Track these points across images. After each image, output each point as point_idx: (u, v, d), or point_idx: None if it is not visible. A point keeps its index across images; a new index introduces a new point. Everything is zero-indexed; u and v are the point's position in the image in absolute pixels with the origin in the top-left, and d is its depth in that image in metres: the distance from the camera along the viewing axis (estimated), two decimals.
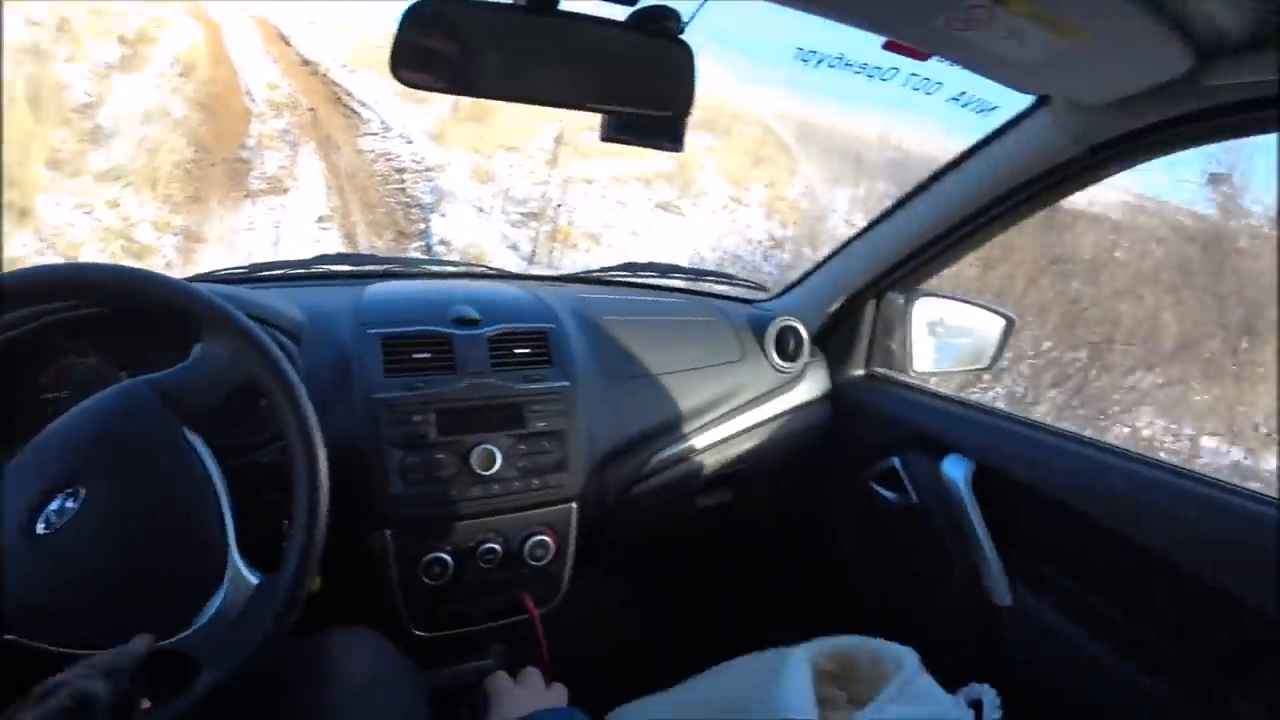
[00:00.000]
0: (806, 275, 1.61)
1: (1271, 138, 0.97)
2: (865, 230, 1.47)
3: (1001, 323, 1.51)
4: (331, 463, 0.82)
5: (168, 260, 5.47)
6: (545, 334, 1.22)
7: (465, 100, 10.81)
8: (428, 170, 8.25)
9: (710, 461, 1.42)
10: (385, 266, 1.43)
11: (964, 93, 1.18)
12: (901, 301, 1.54)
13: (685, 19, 0.83)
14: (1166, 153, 1.09)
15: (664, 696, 1.15)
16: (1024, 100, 1.16)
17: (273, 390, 0.82)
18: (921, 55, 0.97)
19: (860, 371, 1.57)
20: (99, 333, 1.04)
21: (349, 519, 0.88)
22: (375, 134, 9.42)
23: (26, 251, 5.13)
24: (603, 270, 1.66)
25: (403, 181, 7.88)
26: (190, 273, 1.28)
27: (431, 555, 1.10)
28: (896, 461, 1.42)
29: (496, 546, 1.14)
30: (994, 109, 1.21)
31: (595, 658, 1.47)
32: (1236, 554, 1.01)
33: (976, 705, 0.99)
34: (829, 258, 1.56)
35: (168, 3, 14.97)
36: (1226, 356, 5.33)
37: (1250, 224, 6.64)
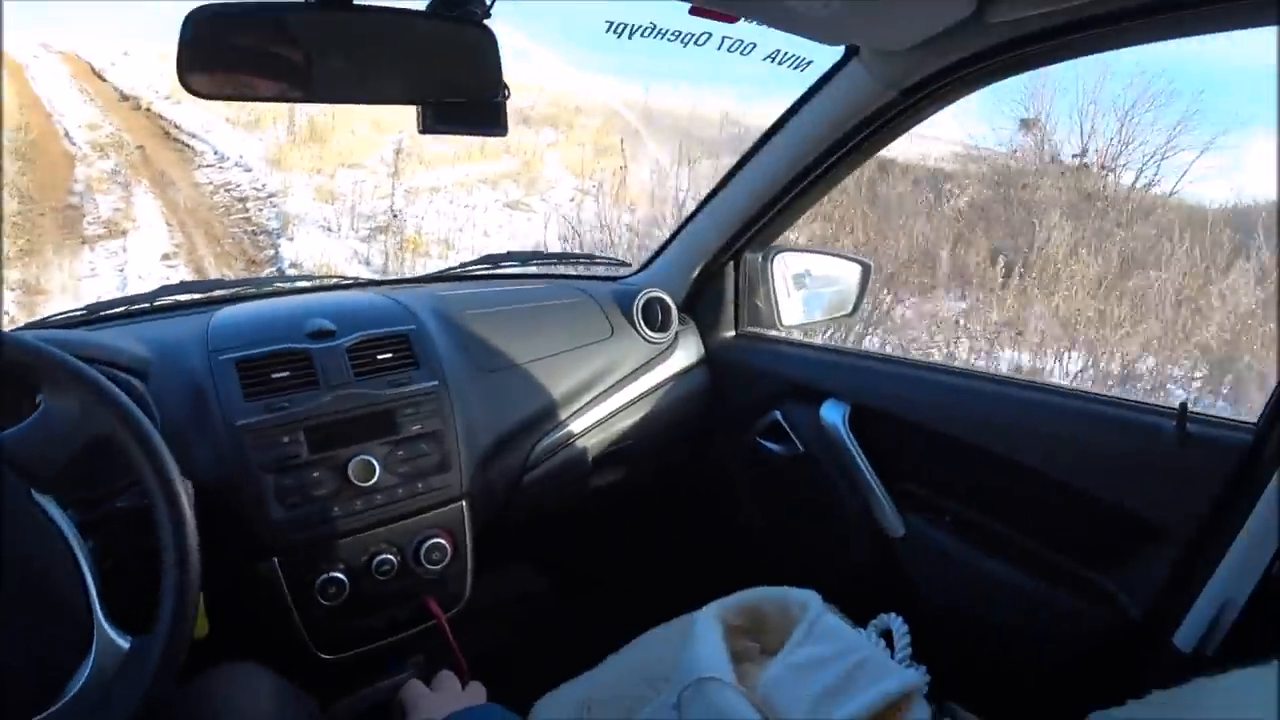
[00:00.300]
0: (664, 247, 1.63)
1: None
2: (711, 197, 1.50)
3: (859, 269, 1.59)
4: (201, 499, 0.80)
5: (11, 316, 5.33)
6: (406, 336, 1.20)
7: (301, 121, 10.88)
8: (270, 196, 8.09)
9: (596, 441, 1.42)
10: (233, 290, 1.39)
11: (779, 50, 1.21)
12: (760, 260, 1.57)
13: (489, 2, 0.83)
14: (971, 90, 1.17)
15: (585, 677, 1.16)
16: (836, 53, 1.22)
17: (125, 441, 0.78)
18: (729, 18, 1.01)
19: (731, 333, 1.61)
20: None
21: (232, 552, 0.88)
22: (211, 165, 9.12)
23: None
24: (461, 266, 1.63)
25: (246, 210, 7.78)
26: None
27: (324, 576, 1.07)
28: (777, 414, 1.47)
29: (391, 557, 1.12)
30: (810, 63, 1.25)
31: (513, 651, 1.47)
32: (1092, 454, 1.11)
33: (887, 635, 1.04)
34: (682, 227, 1.59)
35: None
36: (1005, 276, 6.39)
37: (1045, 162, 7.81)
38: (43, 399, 0.78)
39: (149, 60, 14.73)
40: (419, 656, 1.25)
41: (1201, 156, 7.19)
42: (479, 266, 1.62)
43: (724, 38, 1.14)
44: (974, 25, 1.00)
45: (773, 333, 1.59)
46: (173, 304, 1.35)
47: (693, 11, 0.99)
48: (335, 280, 1.56)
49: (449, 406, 1.18)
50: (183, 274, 6.11)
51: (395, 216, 7.28)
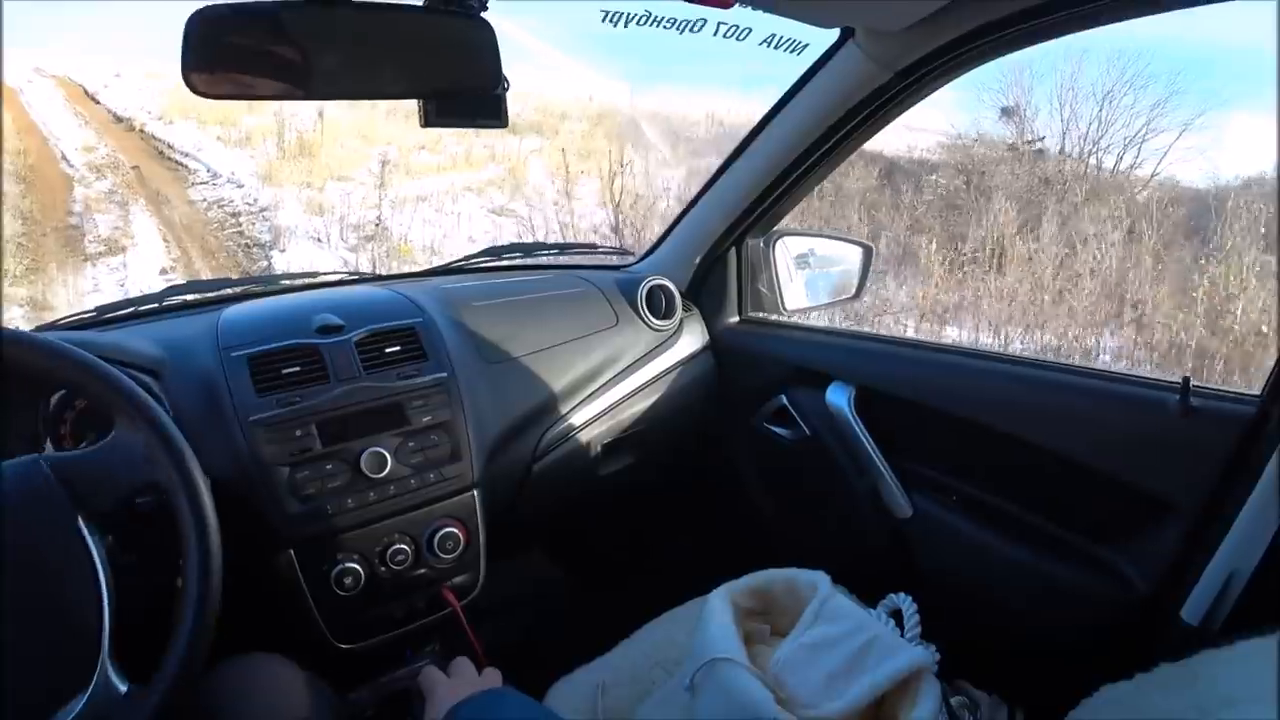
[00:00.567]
0: (666, 235, 1.63)
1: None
2: (712, 183, 1.51)
3: (861, 251, 1.59)
4: (216, 494, 0.81)
5: (23, 327, 5.77)
6: (414, 329, 1.19)
7: (290, 136, 11.33)
8: (262, 210, 8.36)
9: (604, 429, 1.43)
10: (240, 288, 1.39)
11: (774, 35, 1.21)
12: (761, 245, 1.57)
13: None
14: (967, 69, 1.17)
15: (598, 661, 1.18)
16: (831, 36, 1.22)
17: (175, 492, 0.79)
18: (724, 3, 1.00)
19: (735, 319, 1.61)
20: None
21: (248, 546, 0.87)
22: (205, 183, 9.33)
23: None
24: (465, 259, 1.63)
25: (239, 225, 8.06)
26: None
27: (340, 567, 1.07)
28: (783, 398, 1.48)
29: (405, 547, 1.12)
30: (806, 47, 1.25)
31: (528, 637, 1.49)
32: (1097, 430, 1.11)
33: (896, 614, 1.03)
34: (683, 214, 1.59)
35: None
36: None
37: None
38: (115, 433, 0.80)
39: (140, 81, 15.16)
40: (435, 644, 1.25)
41: (1180, 138, 7.41)
42: (483, 259, 1.63)
43: (719, 24, 1.15)
44: (968, 4, 1.01)
45: (776, 317, 1.59)
46: (180, 304, 1.36)
47: None
48: (340, 276, 1.55)
49: (458, 397, 1.18)
50: None
51: (378, 225, 7.70)
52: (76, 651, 0.74)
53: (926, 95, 1.25)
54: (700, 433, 1.65)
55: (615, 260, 1.74)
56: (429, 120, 0.88)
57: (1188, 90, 7.46)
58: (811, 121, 1.33)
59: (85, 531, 0.77)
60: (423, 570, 1.17)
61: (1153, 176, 7.70)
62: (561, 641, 1.46)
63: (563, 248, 1.82)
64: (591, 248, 1.89)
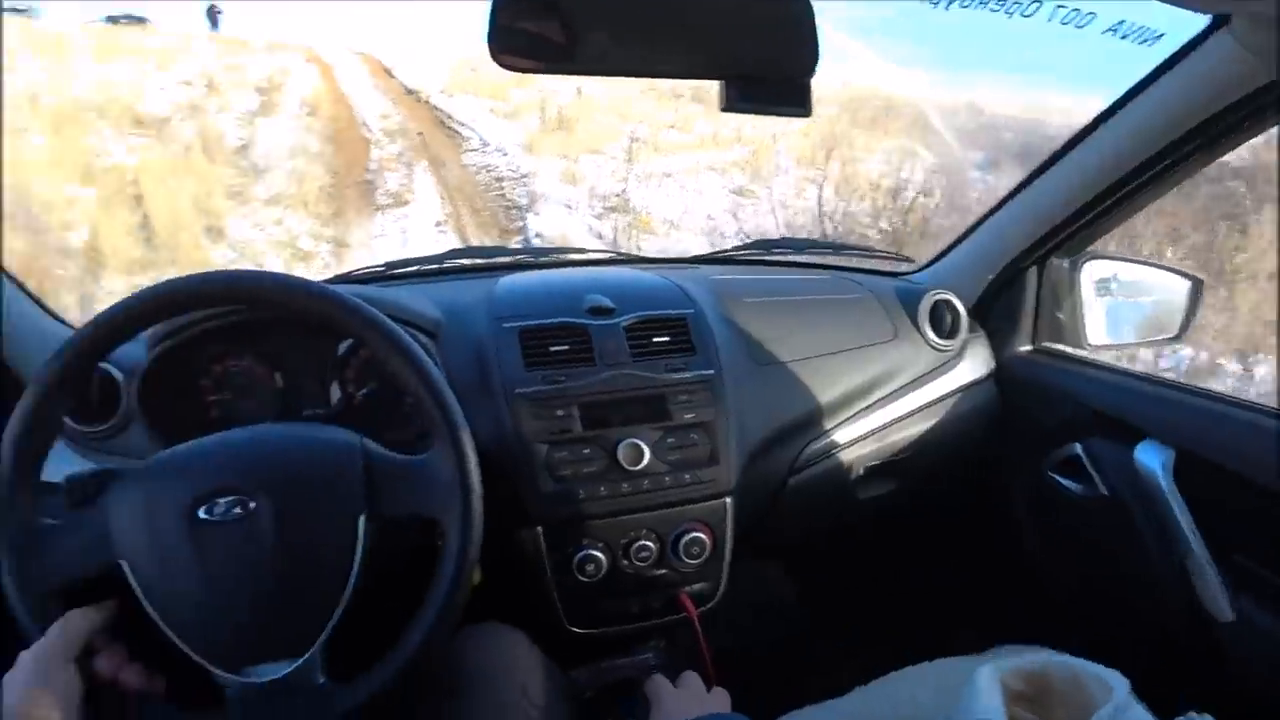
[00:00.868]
0: (956, 243, 1.46)
1: None
2: (1018, 190, 1.32)
3: (1187, 285, 1.34)
4: (481, 463, 0.81)
5: (325, 263, 6.79)
6: (685, 320, 1.15)
7: (552, 112, 12.31)
8: (523, 177, 9.22)
9: (869, 451, 1.32)
10: (515, 258, 1.41)
11: (1122, 22, 1.07)
12: (1067, 267, 1.36)
13: None
14: None
15: (833, 705, 1.09)
16: (1197, 23, 1.01)
17: (448, 541, 0.79)
18: None
19: (1027, 347, 1.41)
20: (250, 335, 1.06)
21: (498, 517, 0.86)
22: (476, 150, 10.45)
23: (225, 260, 6.65)
24: (734, 250, 1.57)
25: (502, 188, 8.91)
26: (339, 272, 1.35)
27: (584, 553, 1.06)
28: (1078, 448, 1.27)
29: (650, 544, 1.09)
30: (1160, 37, 1.08)
31: (757, 655, 1.40)
32: None
33: None
34: (981, 221, 1.40)
35: (286, 51, 17.51)
36: None
37: None
38: (431, 453, 0.82)
39: (431, 58, 17.21)
40: (661, 641, 1.22)
41: None
42: (752, 252, 1.55)
43: (1057, 6, 1.05)
44: None
45: (1076, 351, 1.38)
46: (459, 267, 1.39)
47: None
48: (611, 255, 1.53)
49: (723, 397, 1.12)
50: (451, 238, 7.23)
51: (618, 196, 8.26)
52: (301, 625, 0.75)
53: None
54: (973, 469, 1.47)
55: (893, 266, 1.58)
56: (730, 104, 0.80)
57: None
58: (1161, 126, 1.10)
59: (361, 527, 0.78)
60: (664, 571, 1.13)
61: None
62: (791, 664, 1.38)
63: (836, 247, 1.73)
64: (867, 250, 1.67)
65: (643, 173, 9.18)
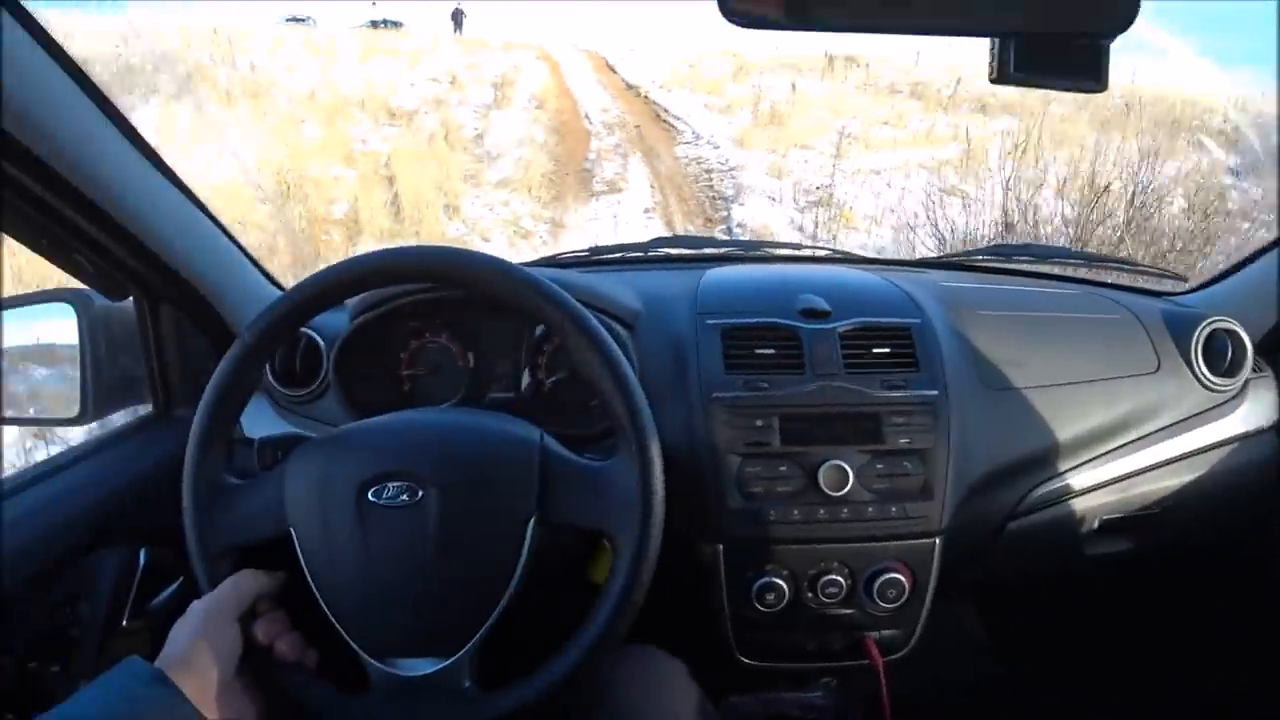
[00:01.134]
0: (1247, 261, 1.20)
1: None
2: None
3: None
4: (665, 469, 0.73)
5: (542, 240, 7.36)
6: (909, 331, 0.99)
7: (765, 107, 12.26)
8: (731, 170, 9.28)
9: (1110, 501, 1.09)
10: (724, 250, 1.30)
11: None
12: None
13: None
14: None
15: None
16: None
17: (621, 557, 0.71)
18: None
19: None
20: (449, 314, 1.03)
21: (677, 528, 0.77)
22: (689, 142, 10.70)
23: (459, 233, 7.39)
24: (965, 254, 1.38)
25: (710, 179, 9.05)
26: (554, 250, 1.33)
27: (765, 579, 0.95)
28: None
29: (840, 579, 0.95)
30: None
31: (939, 705, 1.23)
32: None
33: None
34: (1277, 242, 1.14)
35: (520, 50, 18.55)
36: None
37: None
38: (615, 460, 0.75)
39: (651, 55, 17.62)
40: (833, 680, 1.10)
41: None
42: (989, 258, 1.34)
43: None
44: None
45: None
46: (664, 256, 1.30)
47: None
48: (828, 253, 1.38)
49: (945, 423, 0.95)
50: (657, 223, 7.48)
51: (819, 189, 8.04)
52: (456, 624, 0.71)
53: None
54: (1241, 536, 1.19)
55: (1159, 285, 1.32)
56: (1003, 73, 0.62)
57: None
58: None
59: (529, 531, 0.71)
60: (851, 611, 0.97)
61: None
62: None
63: (1089, 258, 1.42)
64: (1130, 264, 1.38)
65: (850, 168, 8.90)
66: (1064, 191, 6.88)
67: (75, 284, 0.94)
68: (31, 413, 1.05)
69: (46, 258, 0.86)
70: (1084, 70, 0.64)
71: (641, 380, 0.75)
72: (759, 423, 0.93)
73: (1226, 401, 1.11)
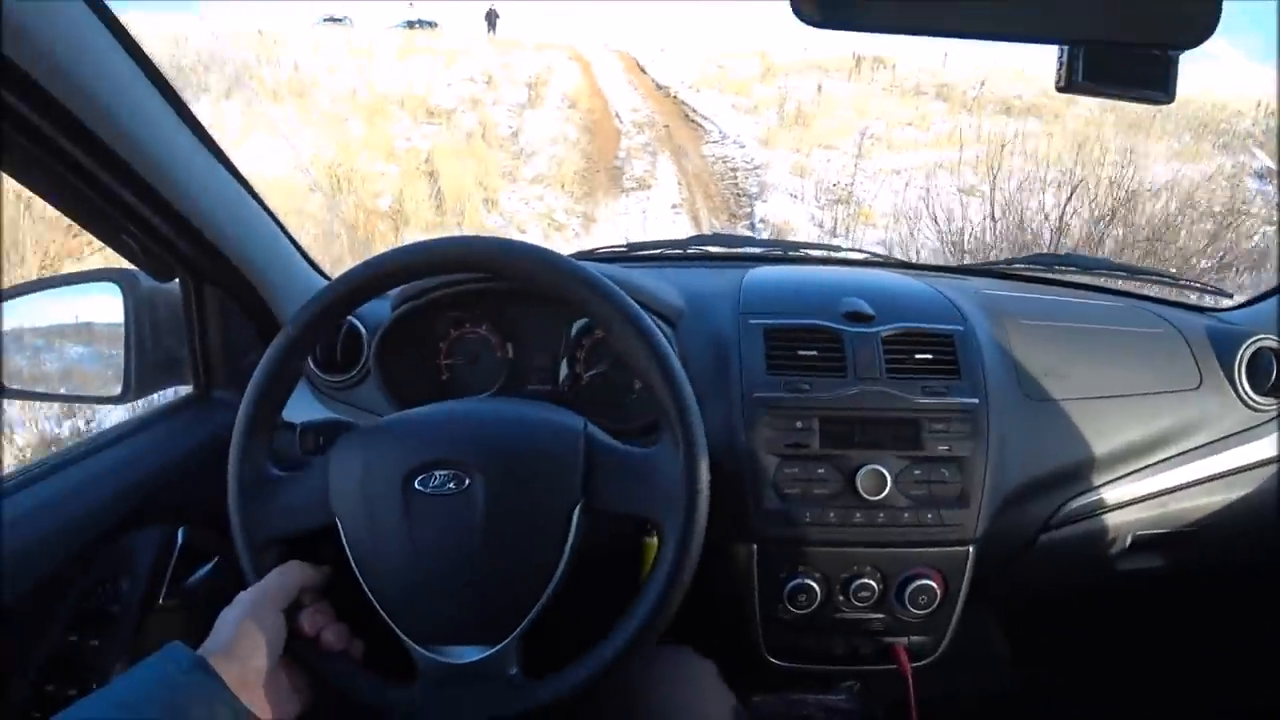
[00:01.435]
0: None
1: None
2: None
3: None
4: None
5: (575, 233, 7.46)
6: (952, 338, 0.97)
7: (790, 108, 12.18)
8: (756, 168, 9.28)
9: (1145, 517, 1.06)
10: (764, 249, 1.27)
11: None
12: None
13: None
14: None
15: None
16: None
17: (666, 544, 0.69)
18: None
19: None
20: (489, 305, 1.01)
21: (712, 528, 0.74)
22: (715, 142, 10.69)
23: (497, 225, 7.54)
24: (1008, 262, 1.35)
25: (735, 177, 9.07)
26: (587, 244, 1.37)
27: (797, 581, 0.93)
28: None
29: (873, 583, 0.93)
30: None
31: (963, 710, 1.21)
32: None
33: None
34: None
35: (552, 50, 18.55)
36: None
37: None
38: (658, 448, 0.72)
39: (681, 56, 17.53)
40: (856, 683, 1.08)
41: None
42: (1032, 267, 1.31)
43: None
44: None
45: None
46: (703, 254, 1.27)
47: None
48: (866, 256, 1.34)
49: (984, 431, 0.92)
50: (684, 220, 7.53)
51: (836, 185, 8.06)
52: (502, 612, 0.69)
53: None
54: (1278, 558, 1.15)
55: (1204, 300, 1.27)
56: (1070, 81, 0.60)
57: None
58: None
59: (574, 519, 0.70)
60: (882, 615, 0.96)
61: None
62: None
63: (1132, 271, 1.38)
64: (1173, 277, 1.35)
65: (872, 168, 8.83)
66: (1085, 195, 6.71)
67: (122, 264, 0.93)
68: (76, 390, 1.05)
69: (98, 236, 0.85)
70: (1152, 81, 0.61)
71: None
72: (799, 424, 0.91)
73: (1269, 421, 1.07)
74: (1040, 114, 10.92)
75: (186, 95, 0.82)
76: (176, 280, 0.97)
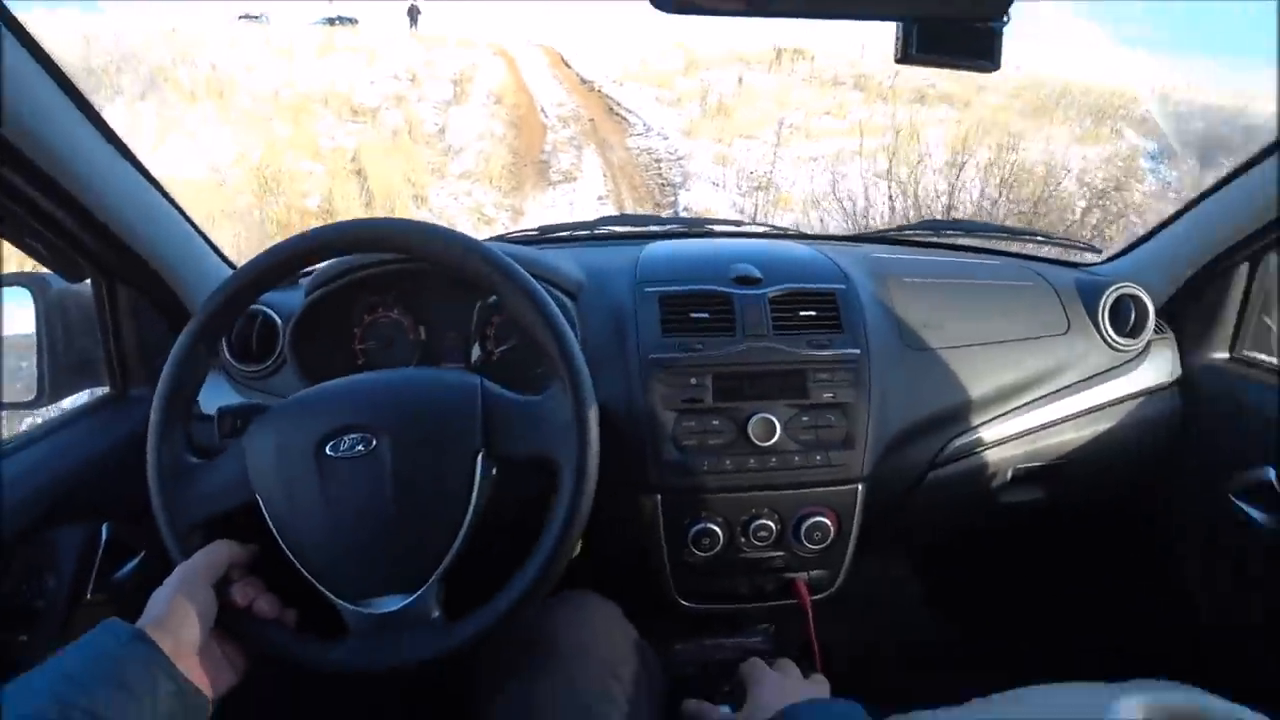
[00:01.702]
0: (1152, 234, 1.23)
1: None
2: (1231, 178, 1.07)
3: None
4: (603, 425, 0.74)
5: (505, 227, 7.32)
6: (834, 295, 1.02)
7: (712, 100, 12.29)
8: (679, 159, 9.41)
9: (1022, 452, 1.13)
10: (667, 226, 1.29)
11: None
12: None
13: None
14: None
15: (945, 714, 0.89)
16: None
17: (563, 483, 0.72)
18: None
19: (1223, 355, 1.17)
20: (401, 289, 1.03)
21: (618, 482, 0.80)
22: (640, 134, 10.74)
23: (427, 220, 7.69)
24: (898, 229, 1.40)
25: (659, 168, 9.17)
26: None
27: (701, 526, 0.97)
28: (1270, 473, 1.04)
29: (771, 524, 0.98)
30: None
31: (870, 652, 1.26)
32: None
33: None
34: (1180, 213, 1.18)
35: (476, 46, 18.22)
36: None
37: None
38: (548, 394, 0.76)
39: (605, 51, 17.45)
40: (771, 625, 1.12)
41: None
42: (920, 232, 1.37)
43: None
44: None
45: None
46: (609, 234, 1.30)
47: None
48: (765, 229, 1.38)
49: (866, 379, 0.98)
50: (610, 210, 7.63)
51: (761, 175, 8.27)
52: (419, 559, 0.72)
53: None
54: (1141, 486, 1.24)
55: (1076, 256, 1.34)
56: (908, 54, 0.67)
57: None
58: None
59: (478, 465, 0.73)
60: (781, 553, 1.01)
61: None
62: (907, 669, 1.25)
63: (1014, 232, 1.45)
64: (1049, 236, 1.43)
65: (791, 156, 9.00)
66: (986, 174, 6.97)
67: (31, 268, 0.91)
68: None
69: (4, 238, 0.84)
70: (981, 52, 0.67)
71: (584, 346, 0.76)
72: (693, 381, 0.95)
73: (1129, 361, 1.15)
74: (952, 102, 11.26)
75: (99, 98, 0.80)
76: (88, 281, 0.95)
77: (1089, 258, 1.33)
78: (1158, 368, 1.17)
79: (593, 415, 0.73)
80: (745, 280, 1.02)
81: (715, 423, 0.95)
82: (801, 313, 0.99)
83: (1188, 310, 1.18)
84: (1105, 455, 1.15)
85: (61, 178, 0.77)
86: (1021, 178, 6.56)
